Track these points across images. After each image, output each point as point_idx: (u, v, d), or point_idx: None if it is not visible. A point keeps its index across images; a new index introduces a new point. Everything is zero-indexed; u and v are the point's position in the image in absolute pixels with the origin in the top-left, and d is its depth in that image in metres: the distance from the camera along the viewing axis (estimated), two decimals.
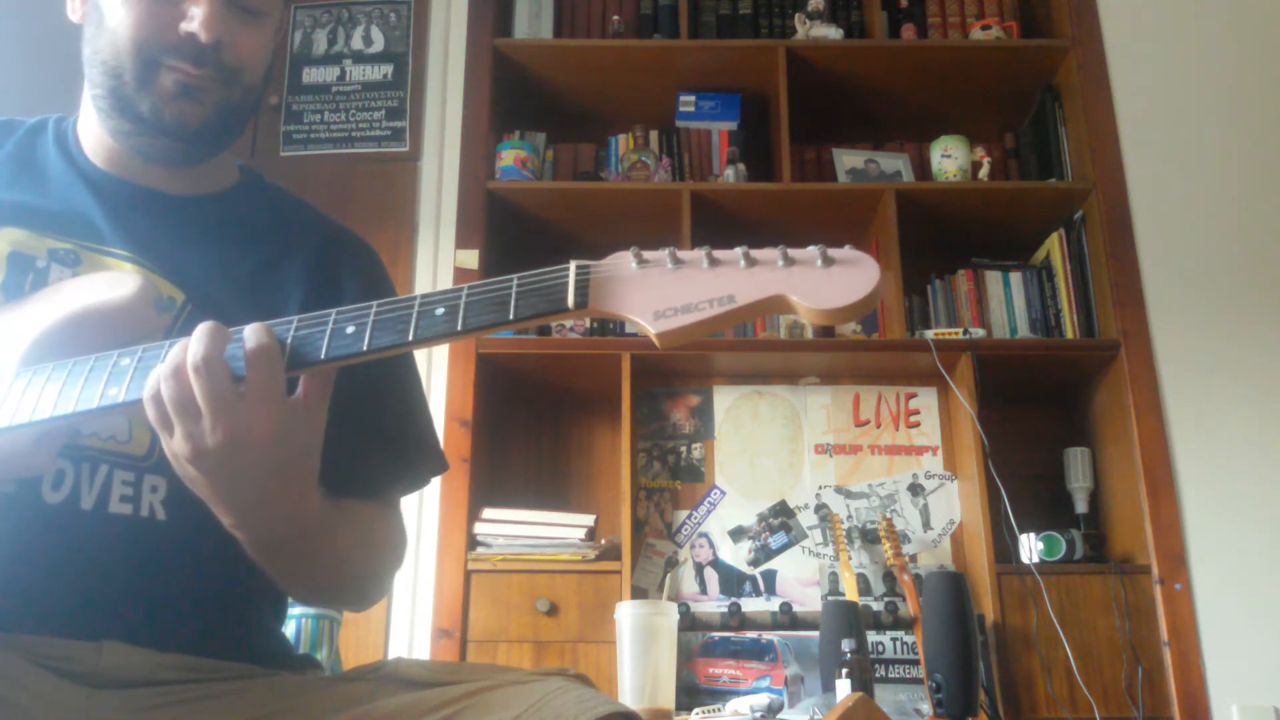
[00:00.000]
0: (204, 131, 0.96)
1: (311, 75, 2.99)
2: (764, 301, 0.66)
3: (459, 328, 0.70)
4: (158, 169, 1.00)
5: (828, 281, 0.66)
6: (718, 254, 0.68)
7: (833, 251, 0.67)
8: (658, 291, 0.68)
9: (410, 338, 0.71)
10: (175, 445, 0.72)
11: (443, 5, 2.99)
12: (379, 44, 3.00)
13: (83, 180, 0.99)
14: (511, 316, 0.69)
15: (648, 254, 0.70)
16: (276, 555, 0.83)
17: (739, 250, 0.68)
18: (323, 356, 0.72)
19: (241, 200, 1.07)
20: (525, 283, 0.70)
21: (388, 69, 2.98)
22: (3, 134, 1.02)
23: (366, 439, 0.97)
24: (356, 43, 3.01)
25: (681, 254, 0.69)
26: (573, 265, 0.70)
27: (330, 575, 0.90)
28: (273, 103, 2.93)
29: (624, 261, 0.70)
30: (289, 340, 0.73)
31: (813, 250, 0.67)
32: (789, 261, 0.67)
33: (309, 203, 1.13)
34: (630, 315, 0.68)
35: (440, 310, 0.71)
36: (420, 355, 2.21)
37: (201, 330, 0.71)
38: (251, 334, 0.71)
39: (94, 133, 1.01)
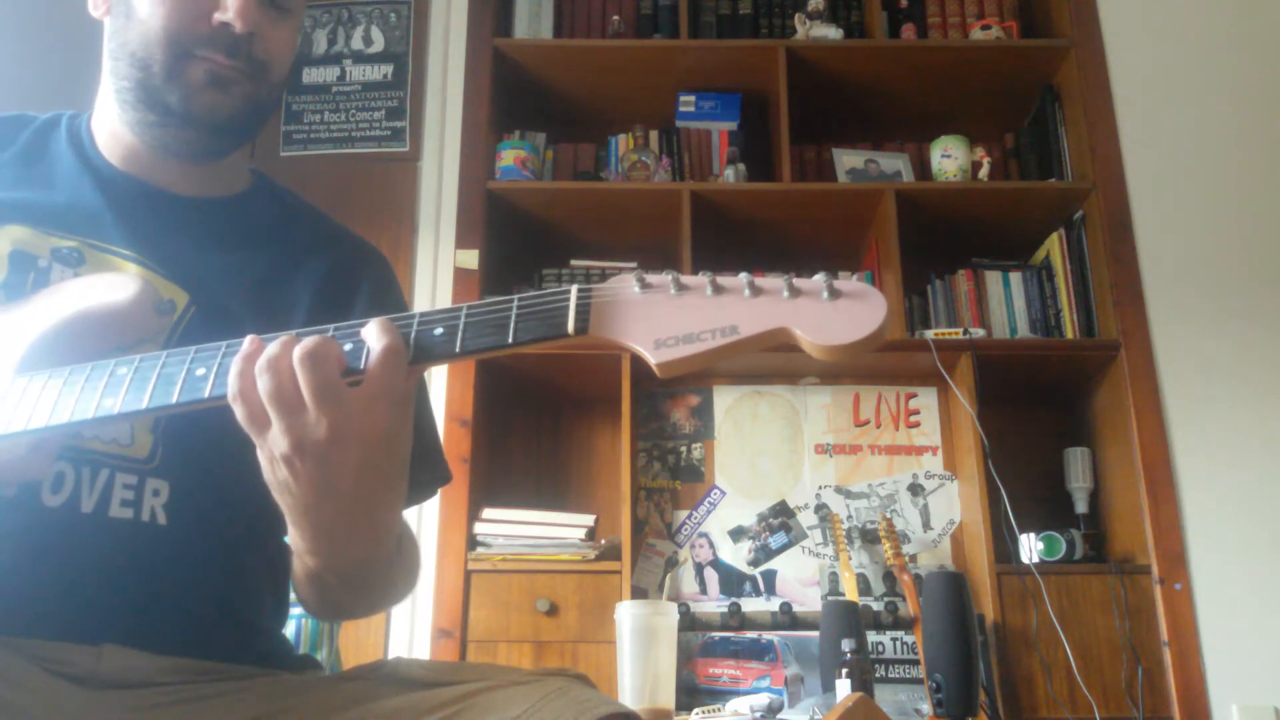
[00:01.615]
0: (230, 125, 0.97)
1: (311, 75, 2.99)
2: (767, 334, 0.66)
3: (456, 350, 0.69)
4: (174, 165, 1.00)
5: (833, 316, 0.65)
6: (722, 281, 0.67)
7: (839, 283, 0.66)
8: (660, 319, 0.67)
9: (409, 359, 0.70)
10: (274, 441, 0.70)
11: (443, 5, 2.99)
12: (379, 44, 3.01)
13: (93, 177, 0.98)
14: (510, 340, 0.69)
15: (650, 278, 0.69)
16: (343, 581, 0.81)
17: (744, 278, 0.67)
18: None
19: (253, 205, 1.06)
20: (525, 306, 0.69)
21: (388, 69, 2.98)
22: (15, 128, 1.02)
23: None
24: (356, 43, 3.01)
25: (685, 279, 0.68)
26: (574, 289, 0.69)
27: (378, 598, 0.91)
28: None
29: (626, 285, 0.69)
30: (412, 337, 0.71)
31: (819, 281, 0.66)
32: (794, 292, 0.66)
33: (321, 210, 1.13)
34: (631, 343, 0.67)
35: (439, 330, 0.71)
36: None
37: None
38: (380, 333, 0.70)
39: (110, 129, 1.00)
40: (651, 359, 0.66)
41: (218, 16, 0.93)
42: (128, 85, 0.96)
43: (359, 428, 0.69)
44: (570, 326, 0.68)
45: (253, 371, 0.69)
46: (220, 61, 0.94)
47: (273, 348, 0.69)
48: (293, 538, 0.78)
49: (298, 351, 0.68)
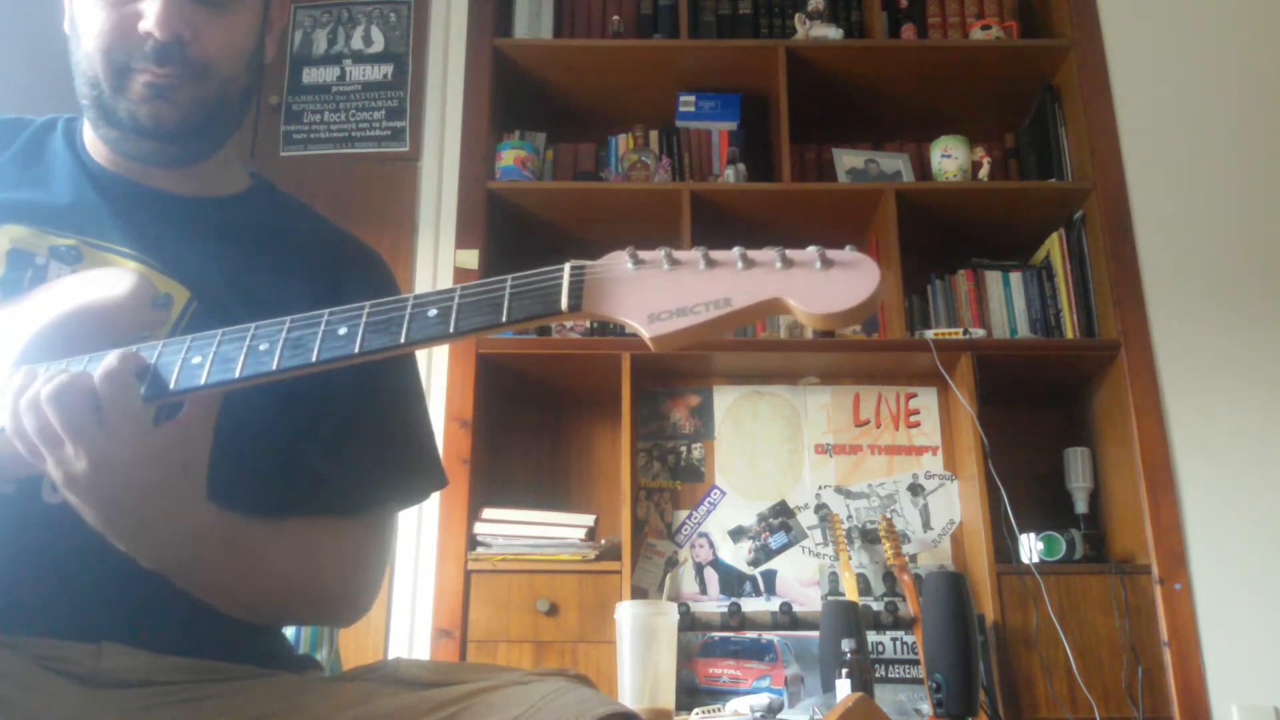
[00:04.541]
0: (184, 130, 0.96)
1: (311, 75, 2.99)
2: (761, 305, 0.65)
3: (451, 330, 0.69)
4: (158, 171, 1.00)
5: (826, 284, 0.64)
6: (714, 255, 0.67)
7: (832, 253, 0.66)
8: (653, 294, 0.67)
9: (403, 340, 0.70)
10: (51, 472, 0.74)
11: (443, 5, 2.99)
12: (379, 44, 3.00)
13: (89, 178, 0.99)
14: (505, 318, 0.68)
15: (643, 254, 0.69)
16: (187, 577, 0.83)
17: (736, 251, 0.67)
18: (314, 359, 0.71)
19: (250, 205, 1.06)
20: (519, 284, 0.69)
21: (388, 69, 2.98)
22: (13, 131, 1.03)
23: (360, 450, 0.97)
24: (356, 43, 3.01)
25: (678, 254, 0.68)
26: (567, 266, 0.69)
27: (264, 595, 0.89)
28: (273, 103, 2.93)
29: (619, 262, 0.69)
30: (155, 361, 0.74)
31: (811, 251, 0.66)
32: (787, 263, 0.66)
33: (320, 213, 1.12)
34: (625, 318, 0.66)
35: (433, 312, 0.70)
36: (420, 355, 2.21)
37: (57, 367, 0.74)
38: (104, 361, 0.73)
39: (94, 135, 1.01)
40: (646, 333, 0.65)
41: (141, 26, 0.92)
42: (87, 104, 0.97)
43: (114, 455, 0.72)
44: (564, 303, 0.67)
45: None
46: (154, 71, 0.93)
47: (34, 386, 0.73)
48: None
49: (44, 391, 0.72)
